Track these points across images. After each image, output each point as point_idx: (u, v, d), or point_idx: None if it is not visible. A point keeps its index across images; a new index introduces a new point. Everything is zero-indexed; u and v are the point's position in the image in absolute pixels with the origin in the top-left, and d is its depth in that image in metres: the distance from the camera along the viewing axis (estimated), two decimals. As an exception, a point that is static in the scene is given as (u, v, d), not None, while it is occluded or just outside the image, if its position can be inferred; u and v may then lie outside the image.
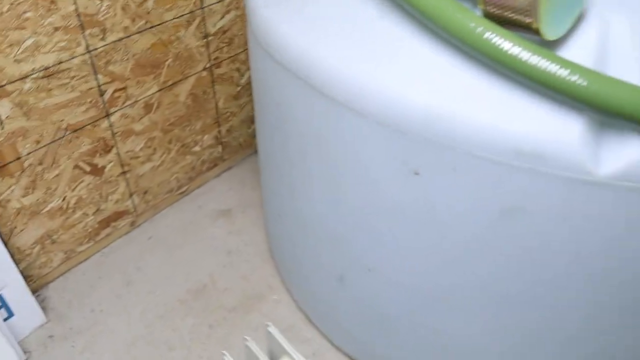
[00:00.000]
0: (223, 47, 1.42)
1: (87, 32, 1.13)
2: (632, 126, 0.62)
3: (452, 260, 0.80)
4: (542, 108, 0.65)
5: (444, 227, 0.77)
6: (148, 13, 1.22)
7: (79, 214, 1.30)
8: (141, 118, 1.33)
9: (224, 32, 1.40)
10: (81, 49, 1.14)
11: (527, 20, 0.63)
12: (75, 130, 1.20)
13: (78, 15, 1.10)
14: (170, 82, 1.35)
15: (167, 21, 1.27)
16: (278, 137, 0.97)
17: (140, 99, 1.30)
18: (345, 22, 0.79)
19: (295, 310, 1.25)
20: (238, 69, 1.49)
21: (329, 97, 0.77)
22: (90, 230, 1.35)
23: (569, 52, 0.67)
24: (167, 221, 1.47)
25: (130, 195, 1.40)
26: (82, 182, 1.27)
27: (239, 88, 1.52)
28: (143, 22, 1.22)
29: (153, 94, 1.32)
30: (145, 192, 1.43)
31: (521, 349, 0.87)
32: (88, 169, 1.27)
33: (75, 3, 1.08)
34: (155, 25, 1.25)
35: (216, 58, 1.42)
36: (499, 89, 0.67)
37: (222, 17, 1.37)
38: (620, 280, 0.73)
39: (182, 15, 1.29)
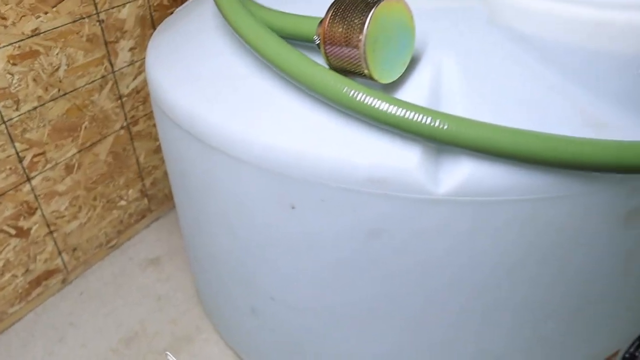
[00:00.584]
0: (138, 105, 1.51)
1: (1, 104, 1.21)
2: (463, 150, 0.73)
3: (335, 283, 0.90)
4: (387, 141, 0.76)
5: (321, 252, 0.87)
6: (60, 81, 1.31)
7: (7, 276, 1.35)
8: (63, 179, 1.40)
9: (138, 91, 1.49)
10: (-4, 121, 1.21)
11: (363, 70, 0.75)
12: (-4, 197, 1.26)
13: (-10, 90, 1.18)
14: (88, 143, 1.43)
15: (79, 87, 1.35)
16: (183, 188, 1.07)
17: (61, 162, 1.37)
18: (224, 81, 0.90)
19: (224, 348, 1.32)
20: (155, 125, 1.58)
21: (216, 148, 0.87)
22: (20, 291, 1.39)
23: (405, 93, 0.80)
24: (99, 275, 1.52)
25: (59, 253, 1.45)
26: (8, 245, 1.32)
27: (158, 142, 1.61)
28: (56, 90, 1.30)
29: (73, 155, 1.40)
30: (75, 249, 1.49)
31: None
32: (13, 232, 1.33)
33: (-14, 79, 1.16)
34: (69, 92, 1.33)
35: (132, 117, 1.51)
36: (351, 129, 0.78)
37: (135, 78, 1.47)
38: (473, 284, 0.84)
39: (94, 81, 1.38)
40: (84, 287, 1.49)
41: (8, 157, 1.26)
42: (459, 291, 0.86)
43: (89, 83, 1.37)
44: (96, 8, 1.32)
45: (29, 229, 1.36)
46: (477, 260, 0.82)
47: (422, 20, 0.85)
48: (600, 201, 0.78)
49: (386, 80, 0.78)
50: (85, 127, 1.40)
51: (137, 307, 1.43)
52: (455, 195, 0.76)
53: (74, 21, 1.29)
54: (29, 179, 1.32)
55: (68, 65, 1.31)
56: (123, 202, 1.59)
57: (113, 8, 1.36)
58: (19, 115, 1.25)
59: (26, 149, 1.29)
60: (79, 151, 1.41)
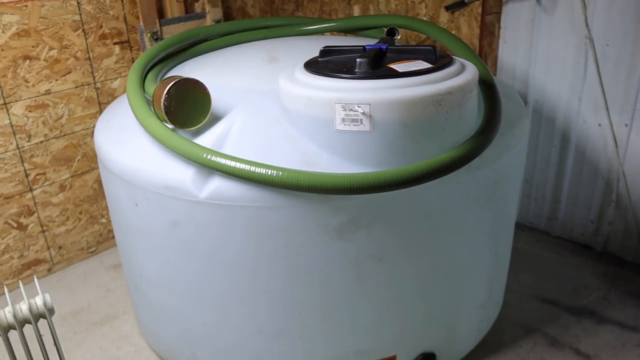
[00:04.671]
0: (121, 149, 2.09)
1: (17, 136, 1.82)
2: (216, 172, 1.18)
3: (164, 262, 1.35)
4: (178, 165, 1.23)
5: (153, 237, 1.33)
6: (62, 126, 1.92)
7: (6, 256, 1.92)
8: (57, 194, 1.98)
9: (121, 139, 2.07)
10: (13, 147, 1.83)
11: (169, 124, 1.25)
12: (6, 198, 1.86)
13: (12, 125, 1.80)
14: (80, 172, 2.01)
15: (76, 131, 1.96)
16: (112, 208, 1.58)
17: (57, 181, 1.96)
18: (126, 138, 1.43)
19: (134, 326, 1.77)
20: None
21: (112, 172, 1.39)
22: (15, 270, 1.96)
23: (202, 136, 1.27)
24: (75, 270, 2.06)
25: (48, 248, 2.02)
26: (10, 234, 1.91)
27: (134, 178, 2.17)
28: (58, 131, 1.91)
29: (66, 178, 1.98)
30: (60, 247, 2.05)
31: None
32: (15, 225, 1.91)
33: (9, 118, 1.79)
34: (68, 134, 1.94)
35: (115, 156, 2.08)
36: (164, 157, 1.26)
37: (119, 129, 2.06)
38: (237, 265, 1.26)
39: (88, 128, 1.98)
40: (61, 276, 2.03)
41: (18, 172, 1.86)
42: (231, 271, 1.28)
43: (84, 129, 1.97)
44: (94, 79, 1.94)
45: (27, 225, 1.94)
46: (237, 246, 1.24)
47: (239, 94, 1.34)
48: (309, 214, 1.19)
49: (187, 127, 1.26)
50: (78, 160, 1.99)
51: (90, 293, 1.93)
52: (210, 199, 1.21)
53: (77, 87, 1.91)
54: (31, 190, 1.91)
55: (69, 115, 1.92)
56: (104, 220, 2.14)
57: (107, 80, 1.98)
58: (29, 145, 1.86)
59: (32, 169, 1.89)
60: (72, 176, 1.99)
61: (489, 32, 1.96)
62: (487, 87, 1.38)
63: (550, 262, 1.99)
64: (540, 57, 1.92)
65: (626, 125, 1.79)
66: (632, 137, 1.80)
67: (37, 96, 1.83)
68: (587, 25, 1.75)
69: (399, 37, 1.68)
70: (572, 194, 2.01)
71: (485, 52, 1.98)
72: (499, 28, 1.97)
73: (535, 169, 2.09)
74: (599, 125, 1.86)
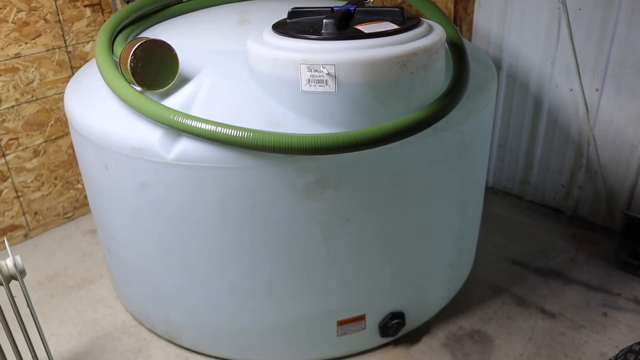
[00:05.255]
0: (95, 114, 2.07)
1: (-12, 100, 1.80)
2: (183, 133, 1.19)
3: (134, 224, 1.36)
4: (146, 127, 1.23)
5: (123, 199, 1.34)
6: (34, 90, 1.90)
7: (-19, 222, 1.92)
8: (31, 159, 1.97)
9: (95, 104, 2.06)
10: (-17, 111, 1.81)
11: (137, 86, 1.24)
12: (-22, 164, 1.85)
13: (-19, 90, 1.78)
14: (53, 137, 2.00)
15: (48, 96, 1.94)
16: (84, 172, 1.58)
17: (30, 147, 1.95)
18: (94, 101, 1.42)
19: (111, 290, 1.79)
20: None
21: (83, 135, 1.38)
22: (-10, 235, 1.96)
23: (170, 98, 1.27)
24: (52, 236, 2.07)
25: (24, 214, 2.02)
26: (-17, 199, 1.90)
27: (109, 143, 2.16)
28: (30, 96, 1.89)
29: (40, 143, 1.97)
30: (36, 213, 2.05)
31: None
32: (-12, 191, 1.90)
33: (-22, 82, 1.77)
34: (40, 99, 1.92)
35: (89, 122, 2.07)
36: (132, 119, 1.26)
37: (93, 94, 2.04)
38: (208, 225, 1.27)
39: (60, 92, 1.96)
40: (38, 242, 2.04)
41: (-10, 137, 1.85)
42: (200, 231, 1.29)
43: (57, 93, 1.96)
44: (65, 42, 1.92)
45: (1, 191, 1.93)
46: (205, 207, 1.25)
47: (210, 55, 1.34)
48: (276, 174, 1.20)
49: (155, 89, 1.26)
50: (51, 125, 1.98)
51: (67, 258, 1.94)
52: (178, 160, 1.21)
53: (47, 50, 1.88)
54: (4, 155, 1.90)
55: (41, 80, 1.90)
56: (79, 186, 2.14)
57: (79, 43, 1.95)
58: (0, 109, 1.84)
59: (4, 134, 1.88)
60: (45, 141, 1.98)
61: (464, -4, 1.96)
62: (456, 50, 1.38)
63: (522, 225, 2.03)
64: (515, 21, 1.92)
65: (597, 90, 1.81)
66: (602, 102, 1.82)
67: (7, 59, 1.81)
68: (560, -11, 1.76)
69: (372, 0, 1.67)
70: (544, 159, 2.04)
71: (460, 16, 1.97)
72: (474, -8, 1.97)
73: (509, 134, 2.11)
74: (571, 90, 1.88)
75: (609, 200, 1.92)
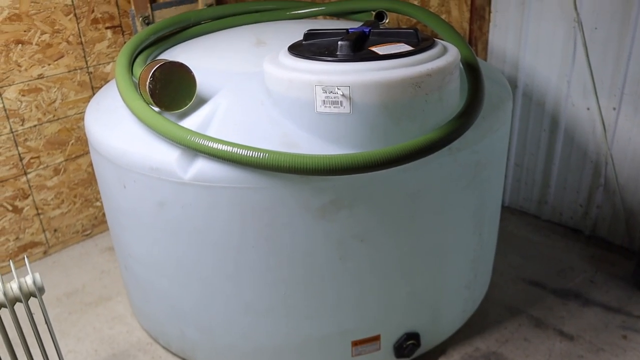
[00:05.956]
0: (114, 133, 2.11)
1: (11, 120, 1.85)
2: (200, 154, 1.21)
3: (153, 242, 1.37)
4: (164, 147, 1.25)
5: (141, 218, 1.35)
6: (55, 110, 1.94)
7: (2, 239, 1.96)
8: (52, 178, 2.01)
9: (114, 123, 2.10)
10: (7, 131, 1.85)
11: (155, 107, 1.27)
12: (1, 181, 1.89)
13: (5, 110, 1.82)
14: (74, 156, 2.04)
15: (69, 115, 1.98)
16: (103, 191, 1.61)
17: (51, 165, 1.99)
18: (113, 121, 1.45)
19: (127, 306, 1.81)
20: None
21: (101, 154, 1.41)
22: (11, 252, 1.99)
23: (188, 118, 1.29)
24: (71, 253, 2.10)
25: (44, 231, 2.05)
26: (5, 217, 1.94)
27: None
28: (51, 115, 1.94)
29: (61, 162, 2.01)
30: (55, 230, 2.08)
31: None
32: (10, 208, 1.94)
33: (2, 102, 1.81)
34: (61, 118, 1.96)
35: (109, 141, 2.11)
36: (150, 139, 1.28)
37: (113, 114, 2.08)
38: (224, 244, 1.28)
39: (81, 112, 2.00)
40: (57, 259, 2.07)
41: (12, 155, 1.89)
42: (216, 251, 1.30)
43: (78, 113, 2.00)
44: (87, 63, 1.96)
45: (22, 208, 1.97)
46: (221, 226, 1.26)
47: (227, 76, 1.36)
48: (291, 195, 1.21)
49: (173, 110, 1.28)
50: (72, 144, 2.02)
51: (85, 275, 1.97)
52: (195, 180, 1.23)
53: (69, 71, 1.93)
54: (25, 173, 1.94)
55: (62, 100, 1.94)
56: (98, 204, 2.17)
57: (100, 64, 2.00)
58: (23, 129, 1.88)
59: (26, 152, 1.92)
60: (66, 160, 2.02)
61: (479, 15, 1.97)
62: (471, 70, 1.39)
63: (539, 245, 2.01)
64: (530, 40, 1.92)
65: (614, 109, 1.80)
66: (620, 121, 1.81)
67: (30, 80, 1.85)
68: (575, 8, 1.76)
69: (387, 21, 1.69)
70: (562, 178, 2.03)
71: (475, 36, 1.98)
72: (490, 11, 1.97)
73: (525, 153, 2.10)
74: (588, 109, 1.87)
75: (627, 220, 1.90)
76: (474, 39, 1.98)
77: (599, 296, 1.75)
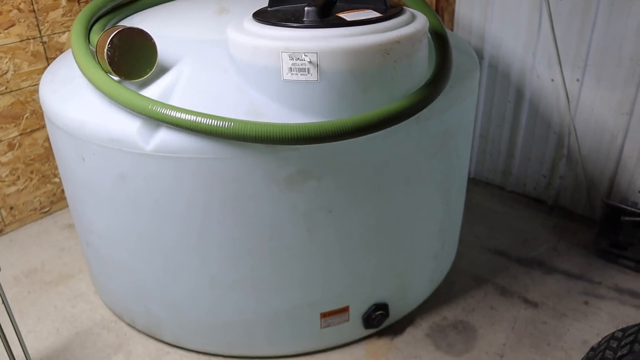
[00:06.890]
0: (71, 106, 2.03)
1: (-40, 92, 1.75)
2: (162, 124, 1.16)
3: (113, 215, 1.33)
4: (124, 117, 1.20)
5: (100, 191, 1.31)
6: (8, 82, 1.85)
7: (-46, 217, 1.87)
8: (6, 153, 1.92)
9: (71, 96, 2.01)
10: (-45, 103, 1.75)
11: (114, 76, 1.21)
12: (-49, 157, 1.79)
13: (-48, 81, 1.72)
14: (29, 130, 1.95)
15: (23, 88, 1.89)
16: (60, 163, 1.54)
17: (4, 139, 1.90)
18: (70, 91, 1.38)
19: (89, 284, 1.76)
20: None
21: (57, 126, 1.35)
22: (-36, 231, 1.91)
23: (149, 88, 1.24)
24: (28, 231, 2.02)
25: (-1, 208, 1.97)
26: (-44, 194, 1.85)
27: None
28: (3, 87, 1.84)
29: (15, 137, 1.92)
30: (12, 208, 2.00)
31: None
32: (-39, 185, 1.85)
33: (-51, 73, 1.71)
34: (14, 90, 1.87)
35: (66, 114, 2.02)
36: (108, 108, 1.23)
37: (69, 86, 1.99)
38: (187, 216, 1.25)
39: (36, 84, 1.91)
40: (14, 237, 1.99)
41: (-38, 130, 1.79)
42: (180, 223, 1.27)
43: (32, 85, 1.91)
44: (40, 33, 1.87)
45: (-25, 185, 1.88)
46: (185, 198, 1.22)
47: (189, 44, 1.31)
48: (257, 165, 1.18)
49: (133, 79, 1.23)
50: (27, 118, 1.93)
51: (44, 253, 1.90)
52: (158, 151, 1.19)
53: (21, 40, 1.83)
54: (-23, 148, 1.85)
55: (15, 71, 1.85)
56: (57, 180, 2.09)
57: (54, 33, 1.90)
58: (-27, 101, 1.79)
59: (-23, 126, 1.83)
60: (20, 134, 1.93)
61: (446, -14, 1.95)
62: (439, 39, 1.37)
63: (504, 215, 2.04)
64: (496, 11, 1.92)
65: (578, 80, 1.82)
66: (583, 92, 1.83)
67: (-21, 50, 1.75)
68: (541, -21, 1.76)
69: (353, -11, 1.65)
70: (526, 149, 2.05)
71: (442, 5, 1.97)
72: (456, -18, 1.96)
73: (490, 124, 2.11)
74: (552, 80, 1.88)
75: (589, 190, 1.94)
76: (440, 9, 1.97)
77: (562, 264, 1.78)
